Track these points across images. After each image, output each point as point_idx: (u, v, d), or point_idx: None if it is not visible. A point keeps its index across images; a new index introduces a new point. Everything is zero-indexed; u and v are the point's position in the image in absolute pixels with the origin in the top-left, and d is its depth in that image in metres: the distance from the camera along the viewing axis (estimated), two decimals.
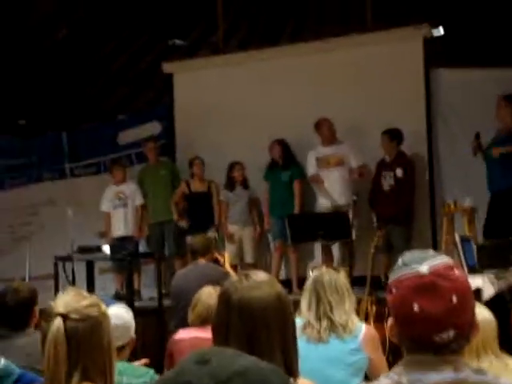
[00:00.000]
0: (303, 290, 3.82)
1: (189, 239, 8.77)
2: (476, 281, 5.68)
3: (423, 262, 1.74)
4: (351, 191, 8.46)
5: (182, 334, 4.37)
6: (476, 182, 7.96)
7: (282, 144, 8.87)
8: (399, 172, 8.38)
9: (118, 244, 8.75)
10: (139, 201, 9.42)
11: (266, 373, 0.98)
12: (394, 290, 1.75)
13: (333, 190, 8.57)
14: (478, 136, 7.82)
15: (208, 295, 4.33)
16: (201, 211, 9.06)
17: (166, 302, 7.21)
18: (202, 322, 4.29)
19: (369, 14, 9.17)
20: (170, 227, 9.24)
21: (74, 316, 2.15)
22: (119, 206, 9.38)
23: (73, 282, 7.37)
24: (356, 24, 9.65)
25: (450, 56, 9.70)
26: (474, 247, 6.50)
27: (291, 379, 1.86)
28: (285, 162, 8.87)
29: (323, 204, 8.62)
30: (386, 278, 6.95)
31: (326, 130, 8.67)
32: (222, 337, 2.00)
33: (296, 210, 8.68)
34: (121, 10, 10.05)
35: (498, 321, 3.55)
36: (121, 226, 9.33)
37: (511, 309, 5.96)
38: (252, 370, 0.97)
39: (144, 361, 3.65)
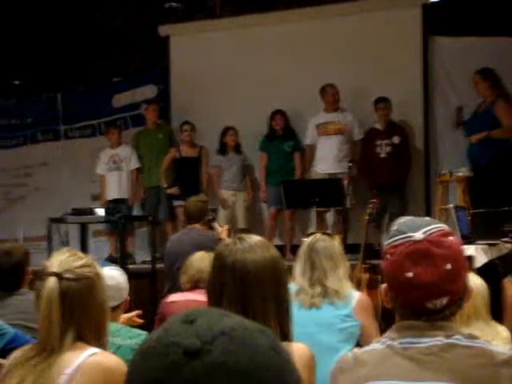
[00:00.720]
0: (297, 255, 3.83)
1: (178, 203, 8.81)
2: (469, 249, 5.71)
3: (418, 229, 1.74)
4: (348, 159, 8.46)
5: (175, 297, 4.39)
6: None
7: (283, 114, 8.85)
8: (396, 139, 8.39)
9: (112, 206, 8.74)
10: (134, 164, 9.40)
11: (253, 333, 0.98)
12: (388, 256, 1.76)
13: (329, 158, 8.56)
14: (460, 109, 7.87)
15: (200, 259, 4.35)
16: (191, 177, 9.05)
17: (159, 266, 7.23)
18: (193, 286, 4.32)
19: None
20: (164, 191, 9.23)
21: (68, 275, 2.16)
22: (114, 169, 9.36)
23: (66, 244, 7.37)
24: None
25: (448, 24, 9.64)
26: (468, 217, 6.52)
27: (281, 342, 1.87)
28: (286, 133, 8.85)
29: (319, 171, 8.62)
30: (379, 245, 7.02)
31: (329, 96, 8.64)
32: (216, 299, 2.01)
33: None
34: None
35: (489, 289, 3.57)
36: (115, 189, 9.32)
37: (502, 278, 6.00)
38: (238, 329, 0.97)
39: (136, 312, 3.67)
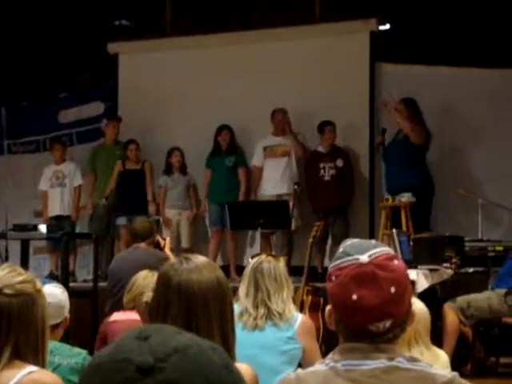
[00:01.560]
0: (242, 276, 3.82)
1: (121, 221, 8.73)
2: (411, 274, 5.77)
3: (364, 252, 1.75)
4: (293, 182, 8.51)
5: (117, 316, 4.34)
6: None
7: (230, 129, 8.87)
8: (340, 162, 8.48)
9: (55, 223, 8.62)
10: (78, 181, 9.30)
11: (206, 351, 0.97)
12: (333, 278, 1.76)
13: (276, 180, 8.60)
14: (383, 131, 8.05)
15: (144, 278, 4.31)
16: (135, 190, 9.00)
17: (101, 284, 7.14)
18: (136, 305, 4.27)
19: (317, 6, 9.21)
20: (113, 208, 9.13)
21: (7, 291, 2.11)
22: (57, 185, 9.25)
23: (6, 260, 7.23)
24: (304, 15, 9.67)
25: (395, 52, 9.81)
26: (410, 242, 6.60)
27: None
28: (229, 148, 8.88)
29: (265, 192, 8.65)
30: (323, 268, 7.07)
31: (277, 119, 8.70)
32: (159, 319, 1.99)
33: (241, 197, 8.72)
34: None
35: (430, 314, 3.61)
36: (57, 206, 9.22)
37: (442, 303, 6.09)
38: (191, 347, 0.96)
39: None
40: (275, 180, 8.61)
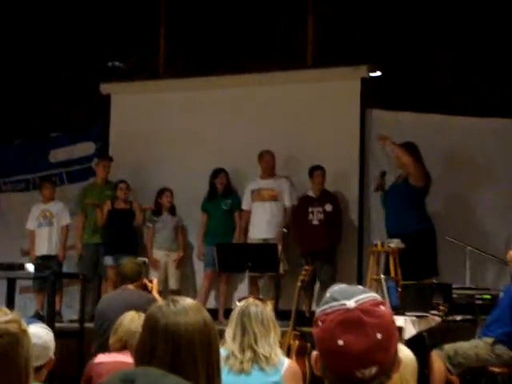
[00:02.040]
0: (229, 319, 3.80)
1: (108, 262, 8.71)
2: (398, 320, 5.76)
3: (351, 297, 1.75)
4: (281, 226, 8.51)
5: (102, 358, 4.29)
6: None
7: (226, 173, 8.90)
8: (329, 207, 8.49)
9: (42, 263, 8.58)
10: (66, 220, 9.28)
11: None
12: (320, 323, 1.76)
13: (262, 223, 8.62)
14: (383, 174, 8.06)
15: (130, 320, 4.28)
16: (124, 230, 8.97)
17: (87, 325, 7.08)
18: (122, 347, 4.24)
19: (309, 52, 9.32)
20: (103, 249, 9.11)
21: None
22: (45, 225, 9.22)
23: None
24: (296, 60, 9.78)
25: (385, 98, 9.92)
26: (398, 288, 6.59)
27: None
28: (225, 191, 8.89)
29: (252, 236, 8.66)
30: (310, 312, 7.05)
31: (264, 163, 8.74)
32: (145, 362, 1.97)
33: (235, 240, 8.73)
34: (62, 27, 9.96)
35: (417, 361, 3.60)
36: (45, 245, 9.17)
37: (429, 350, 6.06)
38: None
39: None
40: (262, 224, 8.61)
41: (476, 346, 5.96)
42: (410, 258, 7.43)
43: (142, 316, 4.24)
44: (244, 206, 8.89)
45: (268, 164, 8.74)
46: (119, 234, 8.91)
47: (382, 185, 8.09)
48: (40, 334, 3.22)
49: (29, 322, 2.51)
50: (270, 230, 8.54)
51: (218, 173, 8.91)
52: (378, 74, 9.39)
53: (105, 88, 10.09)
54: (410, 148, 7.89)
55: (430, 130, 8.47)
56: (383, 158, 8.98)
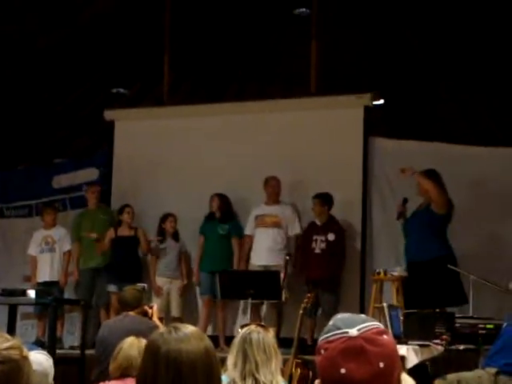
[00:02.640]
0: (231, 346, 3.79)
1: (112, 289, 8.68)
2: (401, 349, 5.72)
3: (353, 326, 1.74)
4: (284, 253, 8.49)
5: None
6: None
7: (222, 197, 8.89)
8: (331, 236, 8.46)
9: (43, 289, 8.56)
10: (67, 246, 9.27)
11: None
12: (322, 352, 1.75)
13: (264, 250, 8.59)
14: (405, 201, 8.00)
15: (130, 346, 4.27)
16: (128, 257, 8.95)
17: (88, 352, 7.05)
18: (122, 373, 4.21)
19: (313, 79, 9.36)
20: (101, 275, 9.08)
21: None
22: (46, 251, 9.21)
23: None
24: (300, 87, 9.82)
25: (388, 127, 9.94)
26: (401, 316, 6.56)
27: None
28: (223, 216, 8.88)
29: (253, 262, 8.63)
30: (313, 340, 7.02)
31: (270, 187, 8.74)
32: None
33: (234, 267, 8.69)
34: (68, 54, 10.02)
35: None
36: (47, 271, 9.16)
37: (432, 380, 6.02)
38: None
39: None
40: (263, 250, 8.59)
41: (479, 377, 5.91)
42: (430, 286, 7.40)
43: (142, 341, 4.25)
44: (247, 232, 8.88)
45: (273, 189, 8.74)
46: (124, 262, 8.88)
47: (404, 212, 7.99)
48: (40, 360, 3.21)
49: (30, 349, 2.50)
50: (272, 257, 8.52)
51: (212, 197, 8.91)
52: (381, 102, 9.42)
53: (109, 114, 10.13)
54: (432, 175, 7.83)
55: (432, 159, 8.47)
56: (385, 187, 8.99)
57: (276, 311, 8.08)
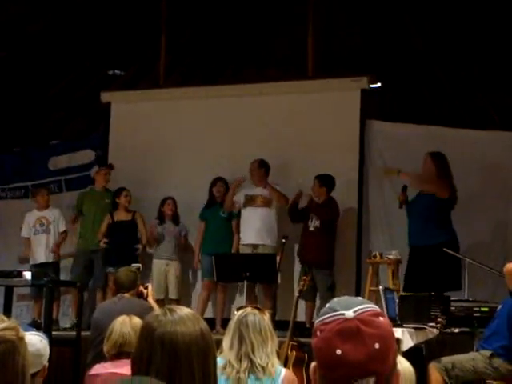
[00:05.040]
0: (227, 328, 3.79)
1: (110, 270, 8.67)
2: (396, 332, 5.74)
3: (350, 308, 1.74)
4: (275, 233, 8.48)
5: (98, 370, 4.27)
6: (402, 234, 8.08)
7: (225, 182, 8.89)
8: (326, 215, 8.38)
9: (39, 270, 8.55)
10: (62, 227, 9.25)
11: None
12: (318, 333, 1.75)
13: (254, 229, 8.57)
14: (404, 188, 7.96)
15: (122, 323, 4.28)
16: (126, 241, 8.94)
17: (84, 334, 7.06)
18: (118, 351, 4.22)
19: (310, 62, 9.33)
20: (98, 256, 9.07)
21: None
22: (41, 232, 9.19)
23: None
24: (297, 70, 9.81)
25: (385, 110, 9.94)
26: (396, 299, 6.58)
27: None
28: (223, 200, 8.87)
29: (243, 241, 8.61)
30: (311, 323, 7.02)
31: (251, 170, 8.71)
32: (142, 371, 1.96)
33: (234, 249, 8.71)
34: (64, 35, 9.98)
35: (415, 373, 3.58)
36: (42, 252, 9.13)
37: (427, 362, 6.05)
38: None
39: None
40: (253, 229, 8.56)
41: (473, 359, 5.94)
42: (431, 271, 7.40)
43: (134, 318, 4.27)
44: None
45: (254, 172, 8.69)
46: (121, 245, 8.86)
47: (406, 199, 7.93)
48: (33, 341, 3.21)
49: (25, 330, 2.50)
50: (261, 236, 8.50)
51: (216, 181, 8.92)
52: (378, 85, 9.40)
53: (105, 96, 10.10)
54: (437, 160, 7.77)
55: (429, 142, 8.46)
56: (382, 171, 8.99)
57: (271, 293, 8.08)
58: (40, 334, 3.44)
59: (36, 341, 3.25)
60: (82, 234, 9.25)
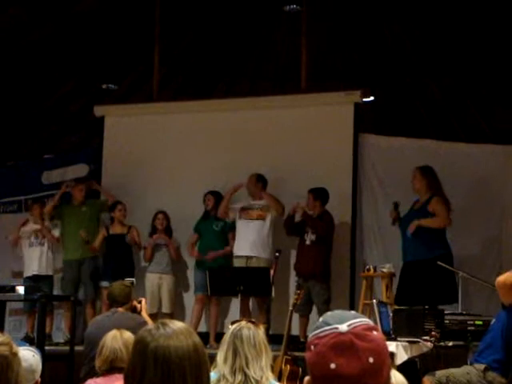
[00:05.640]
0: (221, 342, 3.78)
1: (104, 284, 8.63)
2: (390, 346, 5.73)
3: (343, 321, 1.74)
4: (270, 246, 8.48)
5: None
6: (395, 247, 8.09)
7: (216, 195, 8.89)
8: (321, 229, 8.37)
9: (33, 285, 8.52)
10: (56, 233, 9.26)
11: None
12: (312, 347, 1.75)
13: (248, 242, 8.56)
14: (396, 206, 7.96)
15: (113, 338, 4.26)
16: (119, 253, 8.93)
17: (77, 349, 7.03)
18: (109, 366, 4.20)
19: (303, 76, 9.36)
20: (86, 267, 9.03)
21: None
22: (36, 244, 9.18)
23: None
24: (290, 84, 9.83)
25: (378, 123, 9.98)
26: (390, 313, 6.58)
27: None
28: (217, 213, 8.88)
29: (236, 253, 8.60)
30: (305, 337, 7.01)
31: (251, 186, 8.72)
32: None
33: (221, 254, 8.72)
34: (57, 50, 9.99)
35: None
36: (36, 264, 9.11)
37: (421, 376, 6.04)
38: None
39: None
40: (247, 241, 8.56)
41: (468, 373, 5.93)
42: (425, 284, 7.39)
43: (125, 333, 4.25)
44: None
45: (255, 187, 8.71)
46: (117, 259, 8.85)
47: (397, 216, 7.93)
48: (26, 356, 3.20)
49: (18, 345, 2.49)
50: (254, 249, 8.49)
51: (205, 195, 8.93)
52: (371, 99, 9.43)
53: (98, 110, 10.10)
54: (427, 174, 7.78)
55: (422, 156, 8.48)
56: (375, 183, 9.00)
57: (265, 307, 8.07)
58: (33, 349, 3.43)
59: (29, 356, 3.25)
60: (66, 246, 9.23)
